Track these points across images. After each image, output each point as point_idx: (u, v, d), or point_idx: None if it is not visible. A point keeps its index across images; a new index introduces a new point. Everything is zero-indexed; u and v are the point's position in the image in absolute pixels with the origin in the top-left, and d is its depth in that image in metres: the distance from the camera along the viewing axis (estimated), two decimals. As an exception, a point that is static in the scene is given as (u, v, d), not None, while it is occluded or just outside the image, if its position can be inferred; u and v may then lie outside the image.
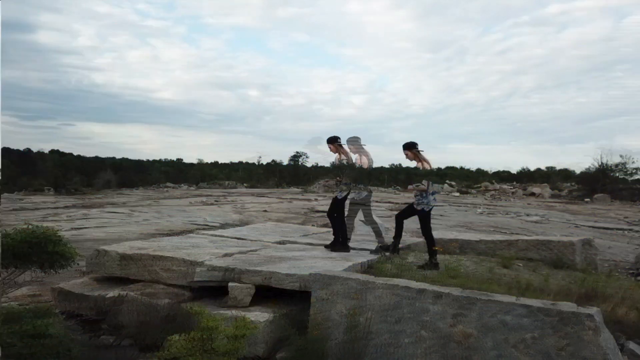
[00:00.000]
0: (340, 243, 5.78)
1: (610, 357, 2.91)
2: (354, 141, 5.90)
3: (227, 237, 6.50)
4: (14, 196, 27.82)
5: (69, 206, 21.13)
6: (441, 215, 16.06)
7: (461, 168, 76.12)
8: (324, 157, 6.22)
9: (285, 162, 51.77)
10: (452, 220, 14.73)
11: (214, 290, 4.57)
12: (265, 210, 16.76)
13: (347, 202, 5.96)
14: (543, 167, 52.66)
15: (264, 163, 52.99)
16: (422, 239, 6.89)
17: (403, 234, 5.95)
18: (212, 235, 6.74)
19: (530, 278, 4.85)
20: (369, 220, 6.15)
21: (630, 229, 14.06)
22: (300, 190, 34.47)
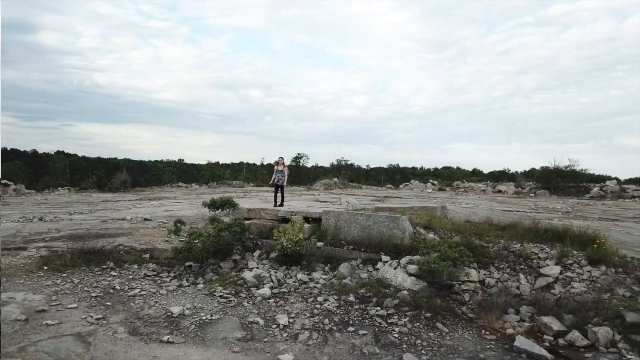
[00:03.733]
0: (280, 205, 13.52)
1: (406, 228, 10.50)
2: (280, 159, 13.56)
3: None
4: (80, 192, 34.88)
5: (139, 199, 28.25)
6: (405, 204, 23.57)
7: (458, 168, 78.82)
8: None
9: (287, 162, 58.31)
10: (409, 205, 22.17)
11: (285, 220, 12.17)
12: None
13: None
14: (538, 167, 58.77)
15: (265, 164, 58.63)
16: (372, 206, 14.54)
17: (358, 202, 13.51)
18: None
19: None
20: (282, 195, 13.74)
21: (524, 212, 21.49)
22: (304, 188, 41.73)
